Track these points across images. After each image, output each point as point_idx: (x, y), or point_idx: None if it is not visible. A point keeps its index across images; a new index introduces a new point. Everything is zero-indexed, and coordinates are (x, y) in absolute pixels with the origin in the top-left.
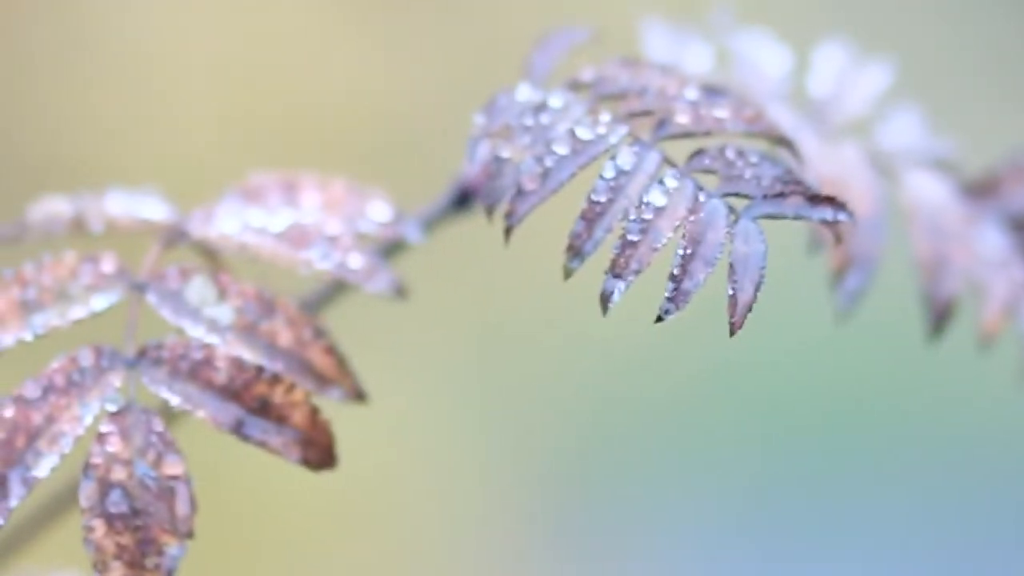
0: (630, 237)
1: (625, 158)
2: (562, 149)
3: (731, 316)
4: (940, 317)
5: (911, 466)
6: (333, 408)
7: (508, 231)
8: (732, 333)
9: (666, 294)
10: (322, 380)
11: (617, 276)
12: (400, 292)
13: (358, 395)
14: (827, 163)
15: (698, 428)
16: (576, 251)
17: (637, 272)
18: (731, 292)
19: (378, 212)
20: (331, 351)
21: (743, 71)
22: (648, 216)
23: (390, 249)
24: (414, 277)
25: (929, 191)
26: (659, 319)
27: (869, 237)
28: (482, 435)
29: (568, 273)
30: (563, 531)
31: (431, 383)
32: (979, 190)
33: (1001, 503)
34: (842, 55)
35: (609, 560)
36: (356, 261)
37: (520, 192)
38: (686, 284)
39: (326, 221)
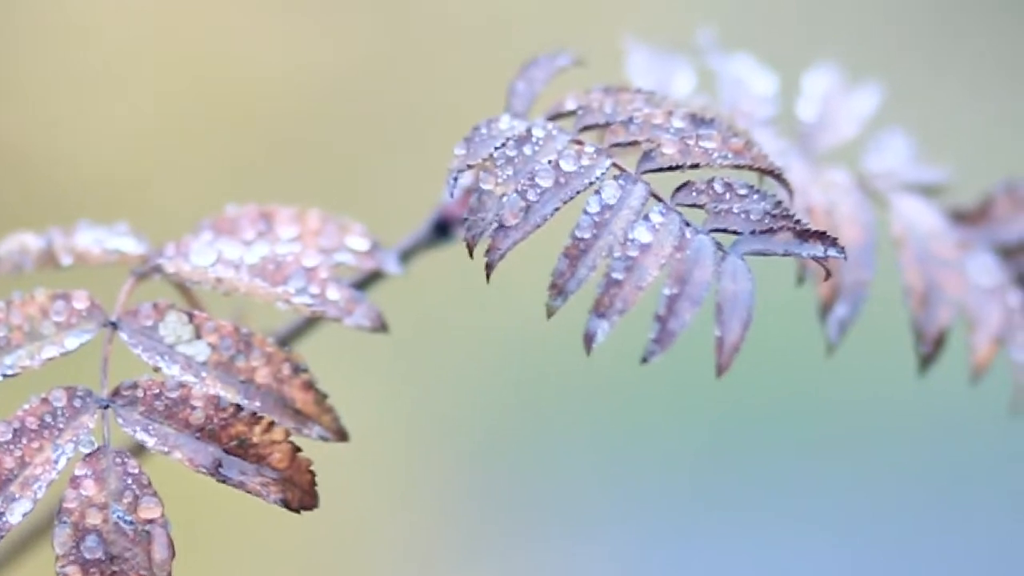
0: (614, 275)
1: (610, 192)
2: (545, 182)
3: (718, 357)
4: (932, 347)
5: (844, 441)
6: None
7: (489, 267)
8: (719, 374)
9: (652, 335)
10: (301, 418)
11: (601, 316)
12: (381, 325)
13: (339, 433)
14: (816, 190)
15: (632, 406)
16: (559, 290)
17: (622, 312)
18: (718, 334)
19: (355, 243)
20: (310, 387)
21: (730, 94)
22: (633, 253)
23: (367, 279)
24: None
25: (919, 217)
26: (644, 360)
27: (858, 266)
28: (410, 416)
29: (551, 312)
30: (493, 509)
31: (362, 368)
32: (971, 216)
33: (934, 473)
34: (830, 79)
35: (539, 539)
36: (334, 294)
37: (502, 227)
38: (672, 324)
39: (302, 253)
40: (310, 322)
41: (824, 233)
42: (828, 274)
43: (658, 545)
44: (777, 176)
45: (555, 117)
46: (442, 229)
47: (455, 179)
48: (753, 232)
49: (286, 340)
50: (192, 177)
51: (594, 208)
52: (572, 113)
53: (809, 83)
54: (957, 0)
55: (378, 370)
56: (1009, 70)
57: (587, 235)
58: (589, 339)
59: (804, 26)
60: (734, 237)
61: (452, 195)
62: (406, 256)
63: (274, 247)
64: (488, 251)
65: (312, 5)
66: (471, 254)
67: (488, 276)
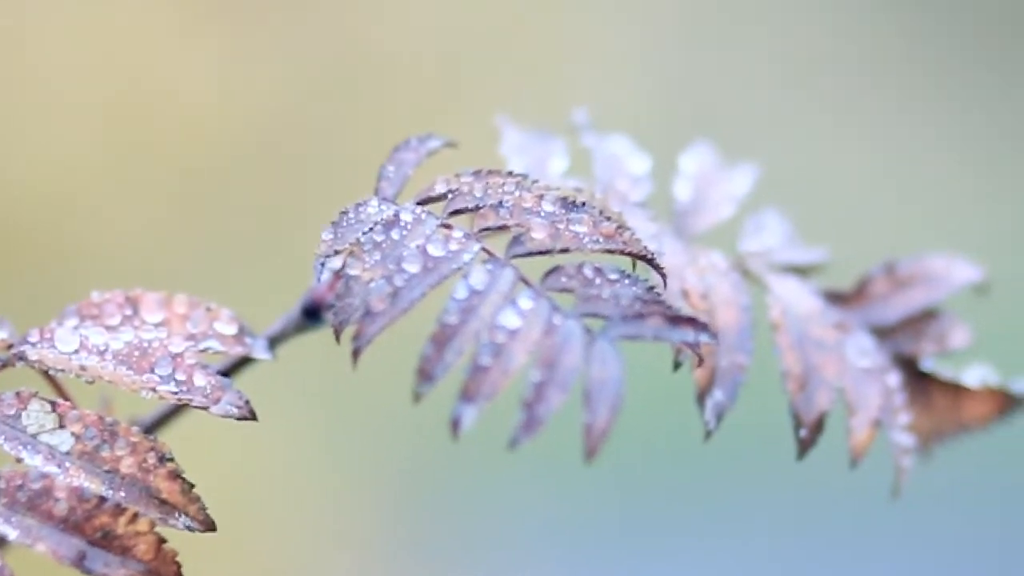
0: (482, 361)
1: (478, 277)
2: (413, 267)
3: (587, 443)
4: (811, 432)
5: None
6: (193, 427)
7: (356, 353)
8: (588, 459)
9: (519, 422)
10: (167, 508)
11: (468, 401)
12: (248, 413)
13: (206, 523)
14: (691, 273)
15: (562, 437)
16: (426, 375)
17: (490, 397)
18: (586, 420)
19: (223, 328)
20: (176, 476)
21: (605, 173)
22: (501, 339)
23: (238, 363)
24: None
25: (797, 299)
26: (511, 447)
27: (735, 350)
28: (335, 454)
29: (417, 398)
30: (418, 547)
31: (284, 405)
32: (848, 297)
33: (866, 491)
34: (706, 159)
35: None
36: (201, 381)
37: (369, 313)
38: (540, 410)
39: (169, 339)
40: (178, 409)
41: (694, 319)
42: (700, 360)
43: (592, 570)
44: (649, 260)
45: (425, 201)
46: (312, 313)
47: (322, 264)
48: (623, 317)
49: (153, 428)
50: (123, 205)
51: (462, 293)
52: (442, 197)
53: (684, 163)
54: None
55: (308, 408)
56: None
57: (454, 320)
58: (455, 425)
59: (679, 110)
60: (604, 322)
61: (320, 280)
62: (276, 341)
63: (140, 333)
64: (355, 337)
65: (248, 35)
66: (338, 340)
67: (355, 361)
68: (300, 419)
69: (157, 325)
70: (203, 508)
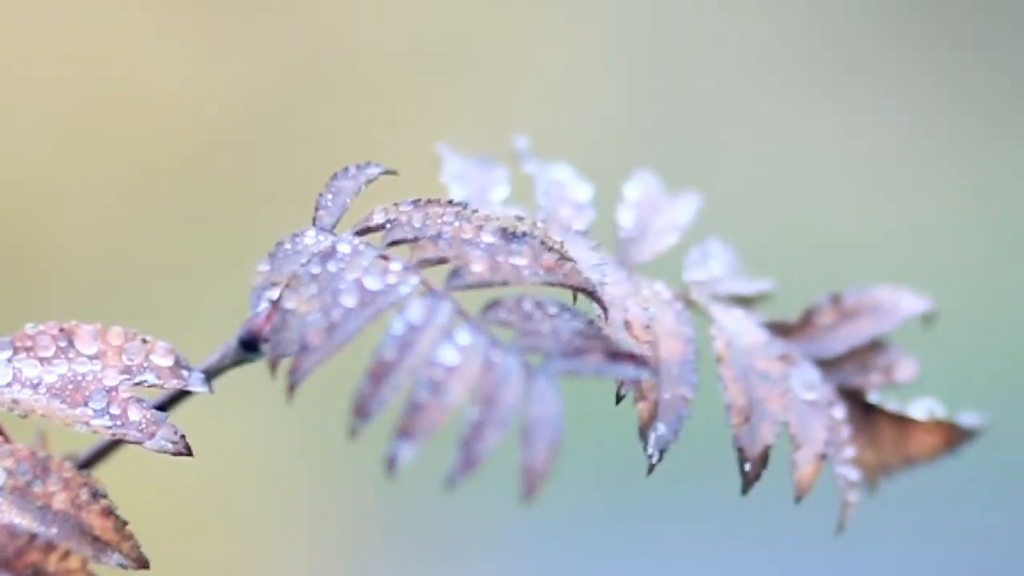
0: (419, 398)
1: (415, 311)
2: (350, 301)
3: (524, 483)
4: (756, 466)
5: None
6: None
7: (292, 388)
8: (525, 499)
9: (456, 460)
10: (100, 545)
11: (405, 439)
12: (183, 449)
13: (139, 561)
14: (634, 304)
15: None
16: (362, 412)
17: (427, 434)
18: (523, 461)
19: (159, 360)
20: (109, 513)
21: (547, 201)
22: (439, 376)
23: (174, 396)
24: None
25: (741, 330)
26: (447, 485)
27: (678, 383)
28: (310, 451)
29: (352, 434)
30: (398, 535)
31: (260, 400)
32: (794, 328)
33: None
34: (648, 187)
35: (448, 562)
36: (135, 415)
37: (305, 347)
38: (477, 448)
39: (103, 372)
40: (115, 443)
41: (634, 355)
42: (641, 396)
43: (567, 565)
44: (589, 293)
45: (363, 231)
46: (249, 345)
47: (259, 297)
48: (563, 353)
49: (89, 463)
50: (84, 202)
51: (398, 328)
52: (381, 227)
53: (628, 191)
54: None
55: (283, 404)
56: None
57: (391, 356)
58: (392, 463)
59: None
60: (544, 358)
61: (257, 312)
62: (213, 373)
63: (74, 365)
64: (291, 371)
65: (217, 31)
66: (273, 374)
67: (290, 396)
68: (276, 415)
69: (92, 357)
70: (136, 546)
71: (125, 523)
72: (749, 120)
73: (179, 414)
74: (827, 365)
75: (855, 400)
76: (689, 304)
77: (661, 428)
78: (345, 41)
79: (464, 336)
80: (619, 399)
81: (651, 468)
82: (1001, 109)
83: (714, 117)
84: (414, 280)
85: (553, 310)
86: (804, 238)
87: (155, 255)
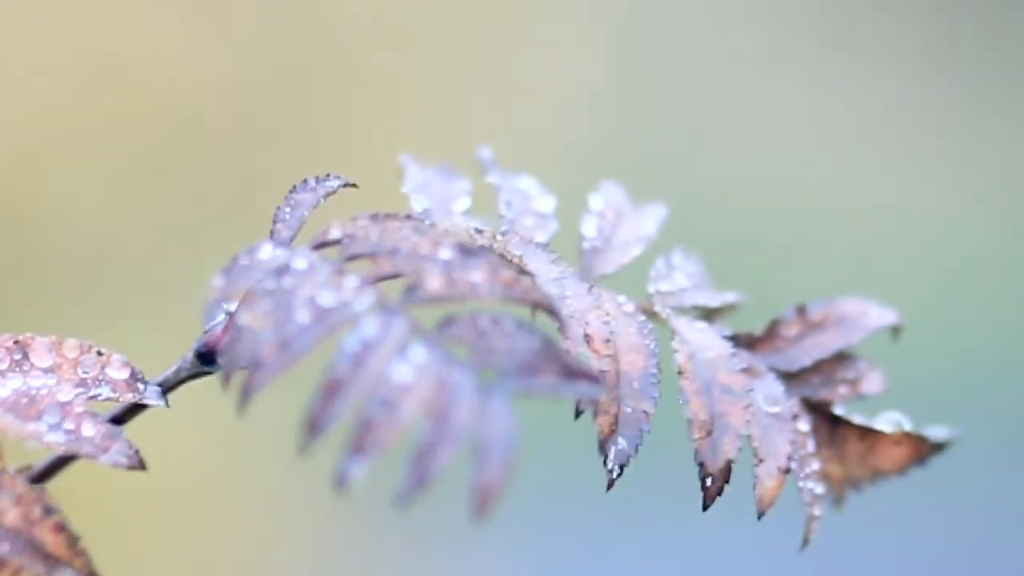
0: (370, 416)
1: (370, 328)
2: (304, 317)
3: (475, 502)
4: (718, 481)
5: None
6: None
7: (243, 403)
8: (477, 520)
9: (407, 478)
10: (52, 561)
11: (355, 456)
12: (138, 464)
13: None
14: (595, 317)
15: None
16: (313, 428)
17: (379, 452)
18: (475, 480)
19: (114, 374)
20: (62, 529)
21: (509, 213)
22: (391, 393)
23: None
24: None
25: (704, 343)
26: (397, 503)
27: (639, 397)
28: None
29: (302, 450)
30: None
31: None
32: (758, 340)
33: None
34: (613, 198)
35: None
36: (89, 430)
37: (257, 364)
38: (429, 467)
39: (58, 386)
40: (70, 457)
41: (589, 373)
42: (601, 410)
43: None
44: (548, 308)
45: (320, 246)
46: (206, 358)
47: (214, 311)
48: (518, 371)
49: (43, 477)
50: (83, 175)
51: (352, 345)
52: (337, 242)
53: (592, 202)
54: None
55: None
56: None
57: (343, 373)
58: (341, 480)
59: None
60: (498, 376)
61: (212, 325)
62: (170, 386)
63: (28, 379)
64: (243, 387)
65: (215, 4)
66: (225, 388)
67: (241, 411)
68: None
69: (46, 371)
70: (89, 562)
71: (77, 538)
72: (748, 89)
73: (138, 422)
74: (792, 378)
75: (821, 413)
76: (652, 316)
77: (621, 442)
78: (344, 13)
79: (418, 353)
80: (578, 414)
81: (611, 483)
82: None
83: (712, 88)
84: (369, 296)
85: (509, 327)
86: (802, 211)
87: (152, 230)
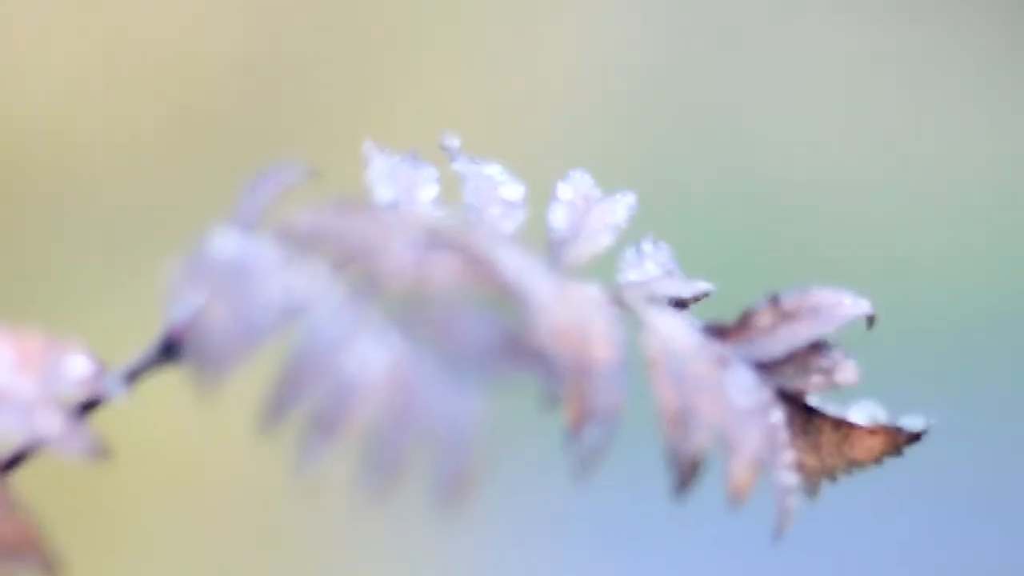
0: (329, 405)
1: (330, 316)
2: (263, 307)
3: (440, 495)
4: (687, 474)
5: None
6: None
7: (203, 394)
8: (442, 509)
9: (367, 469)
10: (11, 552)
11: (314, 443)
12: (103, 454)
13: (53, 566)
14: (563, 308)
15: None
16: (269, 418)
17: (339, 439)
18: (437, 473)
19: (76, 366)
20: (25, 518)
21: (476, 200)
22: (351, 380)
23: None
24: None
25: (675, 334)
26: (359, 493)
27: (609, 388)
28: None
29: (260, 435)
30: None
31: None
32: (730, 330)
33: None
34: (582, 186)
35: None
36: (51, 425)
37: (216, 354)
38: (388, 459)
39: (19, 378)
40: (32, 450)
41: (551, 363)
42: (567, 403)
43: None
44: (514, 298)
45: (284, 234)
46: (170, 349)
47: (173, 300)
48: (481, 360)
49: (9, 465)
50: (111, 136)
51: (312, 333)
52: (300, 230)
53: (560, 190)
54: None
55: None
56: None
57: (301, 362)
58: (300, 469)
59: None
60: (459, 366)
61: (174, 317)
62: (133, 378)
63: None
64: (201, 378)
65: None
66: (186, 379)
67: (202, 402)
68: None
69: (7, 364)
70: (49, 552)
71: (41, 528)
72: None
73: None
74: (765, 368)
75: (795, 404)
76: (622, 307)
77: (589, 435)
78: None
79: (380, 340)
80: (544, 407)
81: (578, 477)
82: None
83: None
84: (331, 284)
85: (472, 316)
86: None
87: (183, 188)
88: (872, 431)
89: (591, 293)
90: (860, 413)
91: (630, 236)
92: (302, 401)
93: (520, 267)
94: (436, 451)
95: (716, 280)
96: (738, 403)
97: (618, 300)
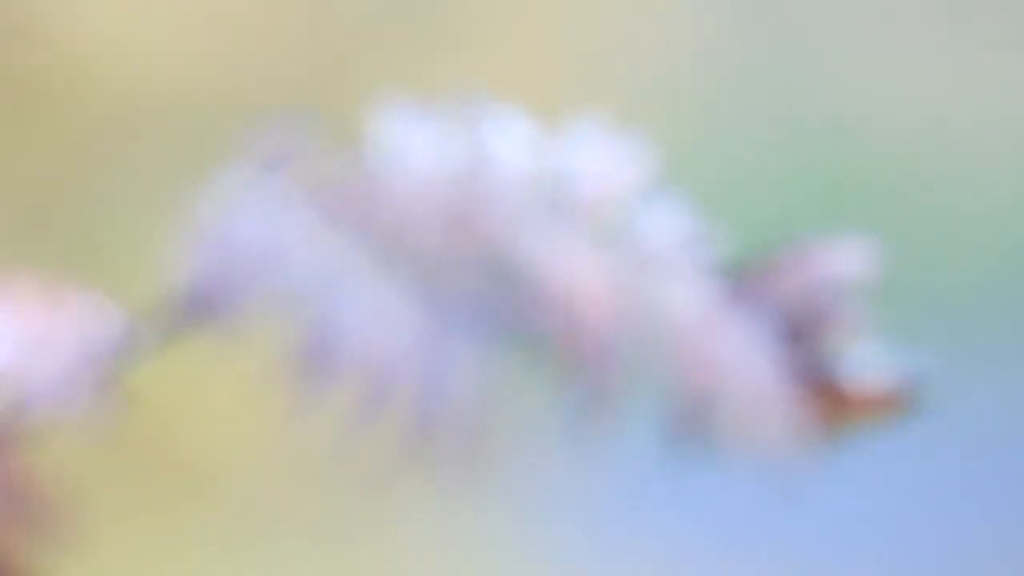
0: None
1: (357, 287)
2: (287, 273)
3: (458, 468)
4: (689, 424)
5: None
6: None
7: (219, 344)
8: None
9: (358, 416)
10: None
11: (357, 419)
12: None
13: (71, 540)
14: (564, 270)
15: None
16: (300, 395)
17: (377, 415)
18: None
19: (108, 324)
20: (42, 490)
21: (482, 154)
22: (375, 351)
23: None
24: None
25: (680, 292)
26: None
27: (608, 352)
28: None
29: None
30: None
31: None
32: (737, 287)
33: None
34: (598, 135)
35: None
36: (78, 383)
37: (220, 302)
38: (421, 433)
39: (50, 340)
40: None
41: (555, 324)
42: (564, 366)
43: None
44: (515, 261)
45: (313, 198)
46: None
47: (184, 254)
48: (475, 317)
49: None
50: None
51: (337, 306)
52: (319, 189)
53: (574, 139)
54: None
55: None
56: None
57: (325, 334)
58: (341, 447)
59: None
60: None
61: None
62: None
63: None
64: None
65: None
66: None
67: (223, 360)
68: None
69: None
70: (67, 525)
71: (56, 502)
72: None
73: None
74: (772, 324)
75: (801, 360)
76: (623, 269)
77: (587, 399)
78: None
79: (398, 306)
80: (540, 375)
81: (572, 444)
82: None
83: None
84: (349, 248)
85: (474, 276)
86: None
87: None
88: (877, 389)
89: (592, 255)
90: (865, 371)
91: (657, 192)
92: (338, 378)
93: (520, 227)
94: (457, 420)
95: (795, 226)
96: (742, 357)
97: (623, 259)
